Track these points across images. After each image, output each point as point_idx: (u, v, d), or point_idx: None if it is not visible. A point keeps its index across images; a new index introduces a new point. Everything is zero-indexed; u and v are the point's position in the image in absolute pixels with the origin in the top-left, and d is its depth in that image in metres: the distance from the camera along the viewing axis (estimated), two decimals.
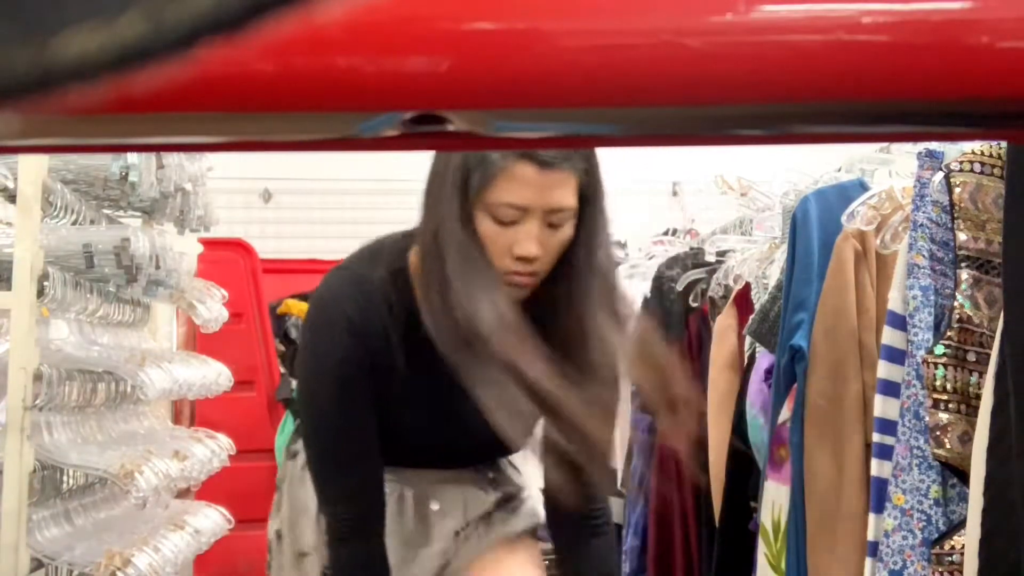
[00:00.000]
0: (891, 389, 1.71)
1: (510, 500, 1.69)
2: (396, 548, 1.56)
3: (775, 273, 2.34)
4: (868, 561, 1.73)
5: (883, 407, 1.74)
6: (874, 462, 1.75)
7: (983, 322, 1.48)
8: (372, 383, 1.49)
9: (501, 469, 1.72)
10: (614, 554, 1.96)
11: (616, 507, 3.24)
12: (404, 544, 1.59)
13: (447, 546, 1.62)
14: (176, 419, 3.24)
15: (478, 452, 1.63)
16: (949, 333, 1.49)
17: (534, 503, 1.72)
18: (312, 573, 1.62)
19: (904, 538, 1.62)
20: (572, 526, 1.59)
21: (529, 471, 1.75)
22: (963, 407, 1.47)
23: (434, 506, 1.63)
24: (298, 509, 1.67)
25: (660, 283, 3.13)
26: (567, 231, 1.40)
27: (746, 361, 2.51)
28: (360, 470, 1.53)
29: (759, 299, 2.47)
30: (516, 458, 1.74)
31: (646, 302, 3.23)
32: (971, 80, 0.30)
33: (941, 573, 1.51)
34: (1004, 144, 1.44)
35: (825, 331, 1.94)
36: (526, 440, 1.52)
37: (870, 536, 1.73)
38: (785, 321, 2.05)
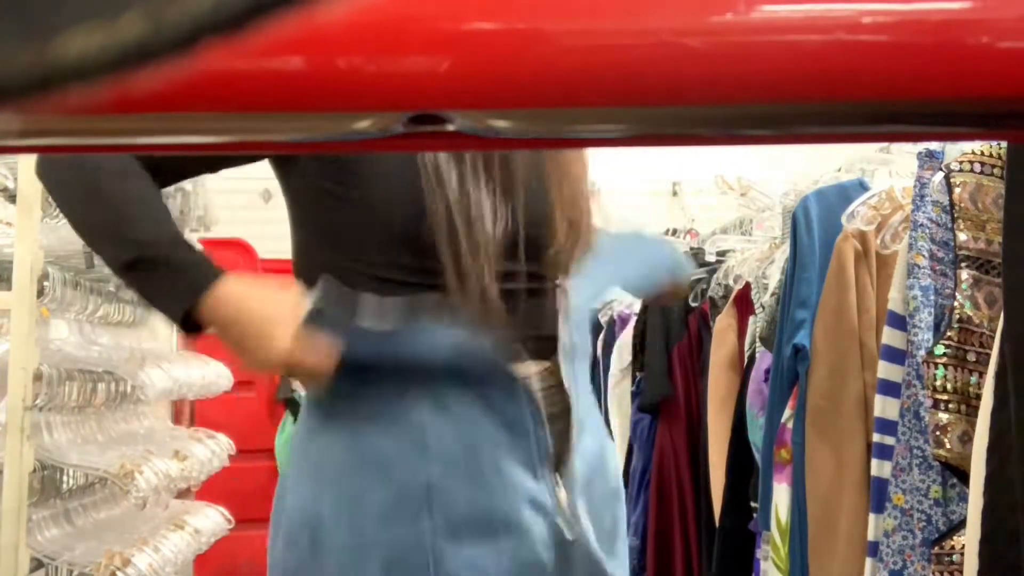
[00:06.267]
0: (891, 389, 1.71)
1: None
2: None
3: (775, 273, 2.34)
4: (868, 561, 1.73)
5: (883, 407, 1.74)
6: (874, 462, 1.75)
7: (983, 322, 1.48)
8: None
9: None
10: None
11: None
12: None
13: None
14: (176, 419, 3.24)
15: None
16: (949, 333, 1.49)
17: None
18: None
19: (904, 538, 1.62)
20: None
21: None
22: (963, 407, 1.47)
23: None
24: None
25: None
26: None
27: (746, 361, 2.51)
28: None
29: (759, 299, 2.47)
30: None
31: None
32: (971, 80, 0.30)
33: (941, 573, 1.50)
34: (1004, 144, 1.44)
35: (825, 331, 1.94)
36: None
37: (870, 536, 1.73)
38: (785, 321, 2.05)
